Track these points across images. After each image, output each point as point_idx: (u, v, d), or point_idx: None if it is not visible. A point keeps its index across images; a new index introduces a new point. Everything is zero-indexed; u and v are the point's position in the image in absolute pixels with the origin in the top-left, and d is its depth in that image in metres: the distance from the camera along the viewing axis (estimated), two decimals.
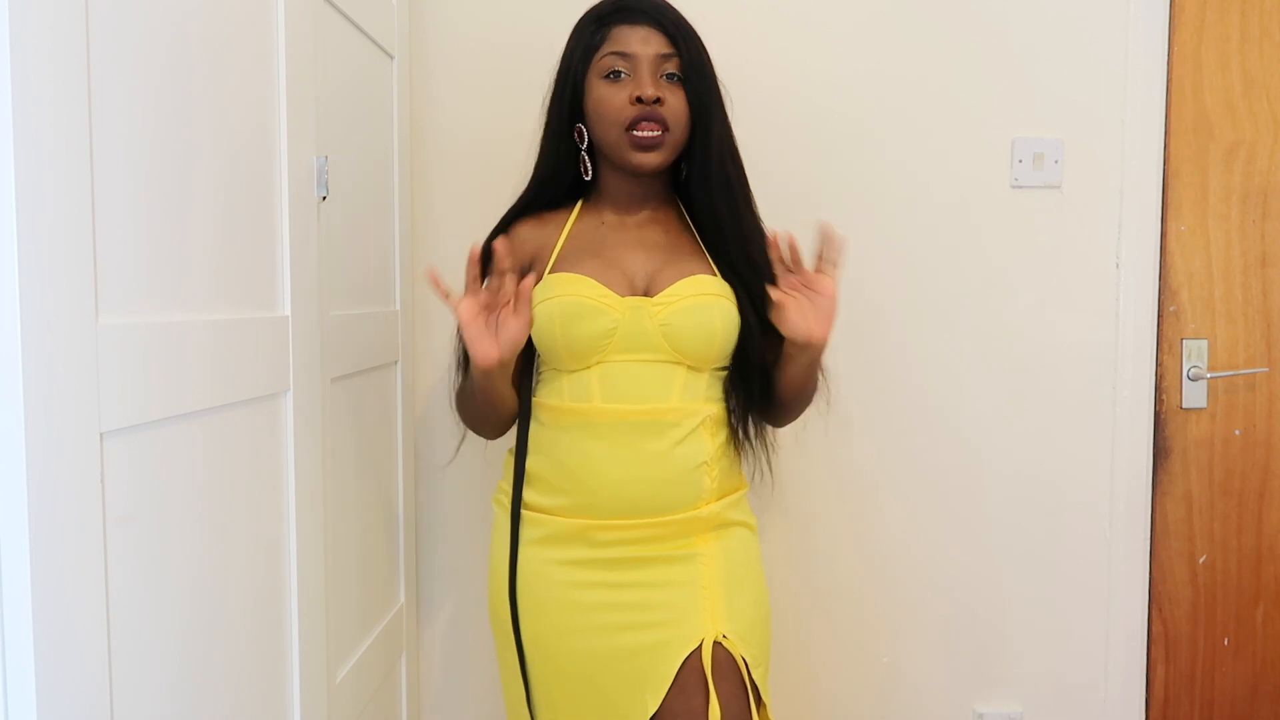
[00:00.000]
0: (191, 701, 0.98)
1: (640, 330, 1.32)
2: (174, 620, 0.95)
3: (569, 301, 1.31)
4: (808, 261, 1.31)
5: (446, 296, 1.23)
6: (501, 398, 1.37)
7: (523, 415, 1.42)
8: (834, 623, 1.93)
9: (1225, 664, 2.00)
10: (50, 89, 0.75)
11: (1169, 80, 1.91)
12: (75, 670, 0.78)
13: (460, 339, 1.46)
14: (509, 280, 1.24)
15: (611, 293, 1.32)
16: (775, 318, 1.30)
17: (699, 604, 1.31)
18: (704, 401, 1.35)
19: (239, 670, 1.08)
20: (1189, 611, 1.99)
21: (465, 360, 1.46)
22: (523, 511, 1.38)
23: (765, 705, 1.33)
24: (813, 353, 1.32)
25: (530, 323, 1.29)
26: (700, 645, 1.28)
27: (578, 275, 1.34)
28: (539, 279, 1.37)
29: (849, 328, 1.86)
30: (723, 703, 1.25)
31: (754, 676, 1.30)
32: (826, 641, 1.93)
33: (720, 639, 1.29)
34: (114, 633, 0.84)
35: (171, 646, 0.94)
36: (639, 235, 1.41)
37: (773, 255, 1.30)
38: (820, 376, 1.43)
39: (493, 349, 1.25)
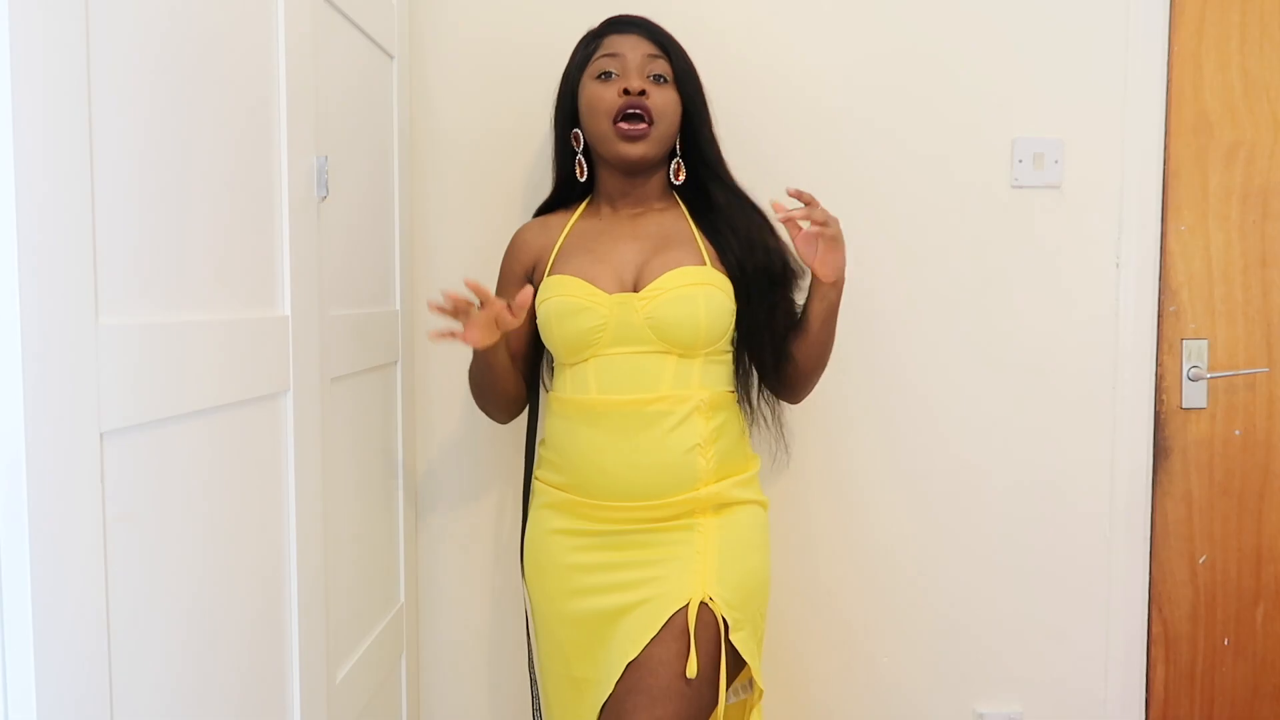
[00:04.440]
0: (191, 701, 0.98)
1: (628, 324, 1.40)
2: (174, 620, 0.95)
3: (560, 302, 1.42)
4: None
5: (453, 335, 1.34)
6: (504, 367, 1.49)
7: (533, 405, 1.60)
8: (835, 622, 1.93)
9: (1225, 664, 2.00)
10: (50, 89, 0.75)
11: (1169, 80, 1.91)
12: (75, 670, 0.78)
13: None
14: (495, 304, 1.33)
15: (599, 291, 1.42)
16: (806, 259, 1.39)
17: (691, 568, 1.39)
18: (697, 387, 1.42)
19: (239, 670, 1.08)
20: (1189, 611, 1.99)
21: None
22: (535, 483, 1.54)
23: (752, 669, 1.38)
24: (836, 291, 1.43)
25: (525, 318, 1.38)
26: (687, 605, 1.35)
27: (568, 276, 1.44)
28: (539, 281, 1.49)
29: (848, 326, 1.86)
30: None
31: (734, 640, 1.36)
32: (827, 641, 1.93)
33: (707, 600, 1.35)
34: (114, 633, 0.84)
35: (171, 646, 0.94)
36: (632, 228, 1.50)
37: (781, 219, 1.35)
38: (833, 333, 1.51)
39: (492, 335, 1.36)
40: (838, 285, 1.42)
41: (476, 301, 1.33)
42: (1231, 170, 1.94)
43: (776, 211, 1.33)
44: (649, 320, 1.39)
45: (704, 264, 1.44)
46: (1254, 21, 1.92)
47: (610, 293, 1.41)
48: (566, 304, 1.41)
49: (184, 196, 0.96)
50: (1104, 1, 1.87)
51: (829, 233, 1.36)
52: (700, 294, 1.40)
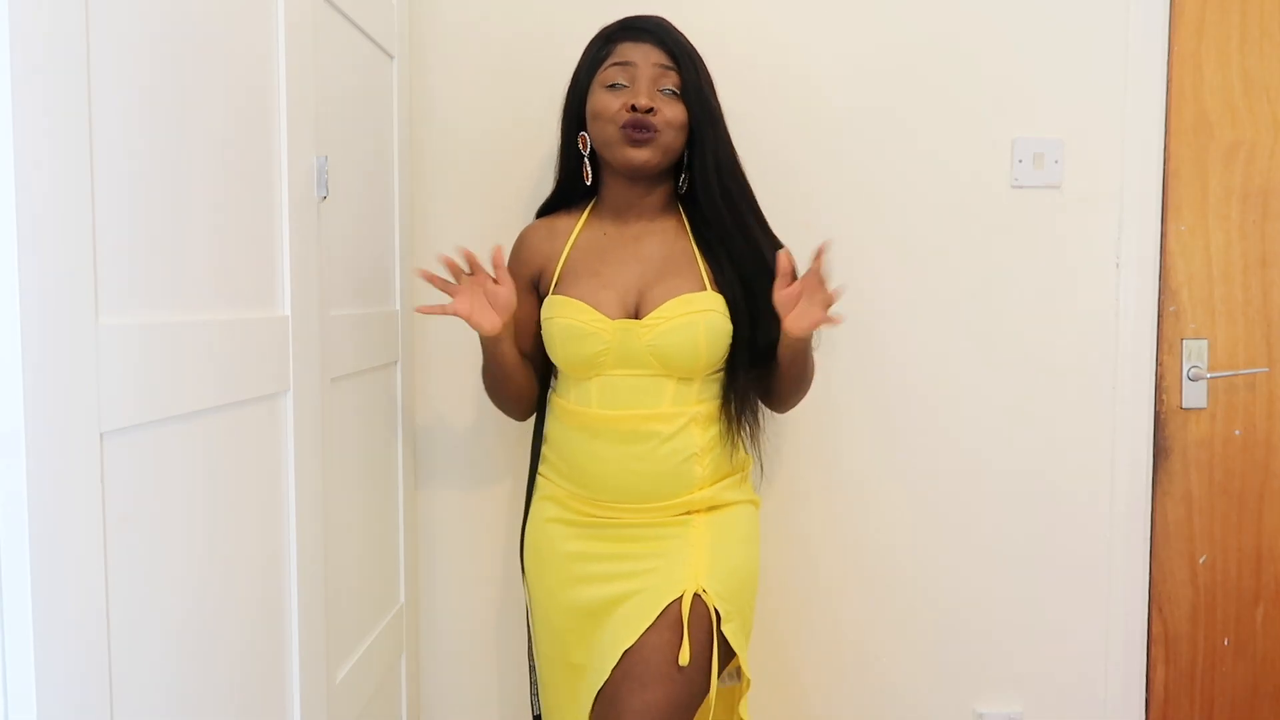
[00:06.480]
0: (192, 701, 0.98)
1: (630, 349, 1.44)
2: (174, 620, 0.95)
3: (565, 324, 1.46)
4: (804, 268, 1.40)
5: (443, 309, 1.41)
6: (514, 364, 1.52)
7: (540, 408, 1.63)
8: (834, 622, 1.93)
9: (1225, 664, 2.00)
10: (50, 89, 0.75)
11: (1169, 80, 1.91)
12: (75, 670, 0.78)
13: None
14: (478, 273, 1.42)
15: (603, 317, 1.44)
16: (782, 307, 1.39)
17: (685, 561, 1.43)
18: (695, 404, 1.47)
19: (239, 670, 1.08)
20: (1189, 611, 1.99)
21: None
22: (538, 478, 1.59)
23: (740, 658, 1.42)
24: (802, 343, 1.43)
25: (513, 287, 1.44)
26: (682, 596, 1.39)
27: (573, 300, 1.47)
28: (545, 294, 1.53)
29: (848, 328, 1.87)
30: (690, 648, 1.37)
31: (725, 631, 1.40)
32: (826, 640, 1.93)
33: (700, 592, 1.40)
34: (114, 633, 0.84)
35: (172, 646, 0.94)
36: (635, 249, 1.51)
37: (778, 271, 1.38)
38: (812, 362, 1.54)
39: (494, 317, 1.43)
40: (804, 338, 1.42)
41: (466, 268, 1.40)
42: (1231, 170, 1.94)
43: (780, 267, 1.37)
44: (651, 348, 1.43)
45: (704, 288, 1.47)
46: (1254, 21, 1.92)
47: (613, 318, 1.45)
48: (571, 328, 1.44)
49: (184, 196, 0.96)
50: (1104, 1, 1.87)
51: (821, 296, 1.37)
52: (701, 321, 1.43)
